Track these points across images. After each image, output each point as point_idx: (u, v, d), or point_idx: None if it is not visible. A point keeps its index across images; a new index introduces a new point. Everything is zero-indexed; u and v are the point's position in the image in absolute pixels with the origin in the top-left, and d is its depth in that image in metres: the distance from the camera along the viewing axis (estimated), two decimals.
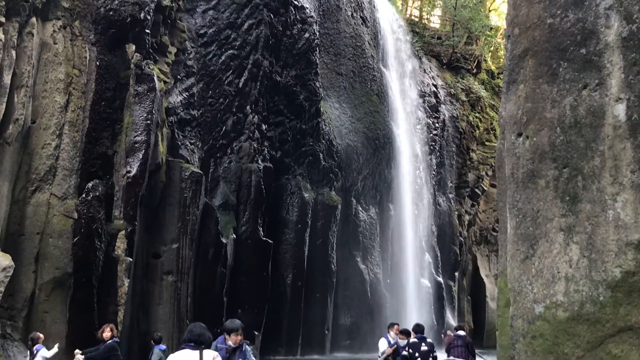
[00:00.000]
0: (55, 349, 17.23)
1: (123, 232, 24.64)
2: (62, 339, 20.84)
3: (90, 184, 24.32)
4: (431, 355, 15.97)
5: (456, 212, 46.70)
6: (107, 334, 17.12)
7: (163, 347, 19.13)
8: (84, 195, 24.11)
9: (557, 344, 6.92)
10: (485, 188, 49.31)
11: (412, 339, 16.44)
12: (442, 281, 43.49)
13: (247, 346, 10.42)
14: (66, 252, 23.30)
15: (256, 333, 31.48)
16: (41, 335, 17.75)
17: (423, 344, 16.06)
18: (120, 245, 24.48)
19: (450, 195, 46.51)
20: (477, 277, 47.78)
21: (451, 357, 19.36)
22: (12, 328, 21.66)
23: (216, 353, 8.77)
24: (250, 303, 32.29)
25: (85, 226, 23.77)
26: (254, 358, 10.51)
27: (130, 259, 24.74)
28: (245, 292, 32.13)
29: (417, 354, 15.92)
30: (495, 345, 14.63)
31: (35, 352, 17.09)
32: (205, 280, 30.06)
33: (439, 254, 44.09)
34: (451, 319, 41.16)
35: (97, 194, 24.33)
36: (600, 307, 6.68)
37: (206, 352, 8.55)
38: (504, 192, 10.32)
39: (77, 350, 16.72)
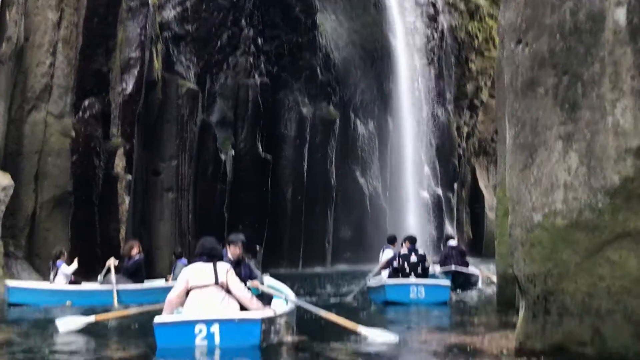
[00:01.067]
0: (75, 265, 17.35)
1: (121, 149, 24.63)
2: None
3: (86, 102, 24.15)
4: (420, 266, 16.02)
5: (455, 124, 46.55)
6: (131, 250, 17.30)
7: (185, 261, 19.37)
8: (80, 114, 23.98)
9: (556, 251, 6.95)
10: (484, 99, 49.01)
11: (403, 251, 16.54)
12: (441, 193, 43.67)
13: (247, 260, 10.53)
14: (65, 170, 23.32)
15: (258, 247, 31.84)
16: (64, 251, 17.80)
17: (413, 254, 16.12)
18: (119, 162, 24.50)
19: (449, 107, 46.24)
20: (476, 189, 47.98)
21: (453, 266, 19.59)
22: (15, 246, 21.86)
23: (229, 265, 8.90)
24: (251, 218, 32.55)
25: (83, 144, 23.72)
26: (257, 271, 10.62)
27: (130, 177, 24.81)
28: (246, 208, 32.35)
29: (406, 265, 16.01)
30: (494, 254, 14.82)
31: (57, 267, 17.24)
32: (206, 196, 30.26)
33: (437, 166, 44.15)
34: (450, 231, 41.50)
35: (94, 111, 24.19)
36: (599, 214, 6.69)
37: (220, 264, 8.69)
38: (503, 102, 10.23)
39: (111, 259, 16.90)
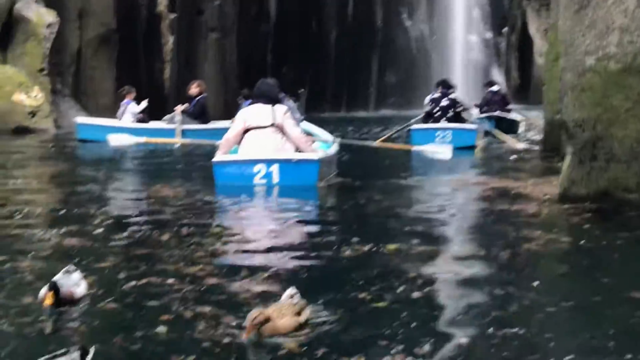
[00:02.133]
0: (144, 104, 17.28)
1: None
2: (111, 95, 21.27)
3: None
4: (452, 110, 15.68)
5: None
6: (194, 90, 17.04)
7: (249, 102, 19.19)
8: None
9: (607, 96, 6.77)
10: None
11: (436, 94, 16.24)
12: (490, 37, 42.75)
13: (285, 102, 10.44)
14: (109, 8, 23.17)
15: (301, 90, 31.78)
16: (132, 90, 17.65)
17: (445, 99, 15.82)
18: (163, 0, 24.25)
19: None
20: (526, 33, 46.50)
21: (497, 112, 19.33)
22: (61, 84, 22.10)
23: (286, 108, 8.89)
24: (295, 60, 32.35)
25: None
26: (297, 113, 10.55)
27: (174, 15, 24.62)
28: (290, 50, 32.08)
29: (437, 109, 15.73)
30: (541, 101, 14.58)
31: (125, 105, 17.20)
32: (249, 37, 29.99)
33: (487, 9, 42.96)
34: (498, 76, 40.89)
35: None
36: None
37: (277, 106, 8.69)
38: None
39: (178, 106, 16.82)
